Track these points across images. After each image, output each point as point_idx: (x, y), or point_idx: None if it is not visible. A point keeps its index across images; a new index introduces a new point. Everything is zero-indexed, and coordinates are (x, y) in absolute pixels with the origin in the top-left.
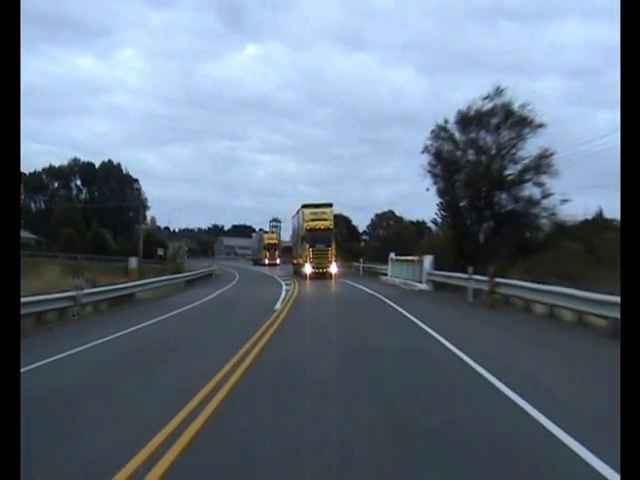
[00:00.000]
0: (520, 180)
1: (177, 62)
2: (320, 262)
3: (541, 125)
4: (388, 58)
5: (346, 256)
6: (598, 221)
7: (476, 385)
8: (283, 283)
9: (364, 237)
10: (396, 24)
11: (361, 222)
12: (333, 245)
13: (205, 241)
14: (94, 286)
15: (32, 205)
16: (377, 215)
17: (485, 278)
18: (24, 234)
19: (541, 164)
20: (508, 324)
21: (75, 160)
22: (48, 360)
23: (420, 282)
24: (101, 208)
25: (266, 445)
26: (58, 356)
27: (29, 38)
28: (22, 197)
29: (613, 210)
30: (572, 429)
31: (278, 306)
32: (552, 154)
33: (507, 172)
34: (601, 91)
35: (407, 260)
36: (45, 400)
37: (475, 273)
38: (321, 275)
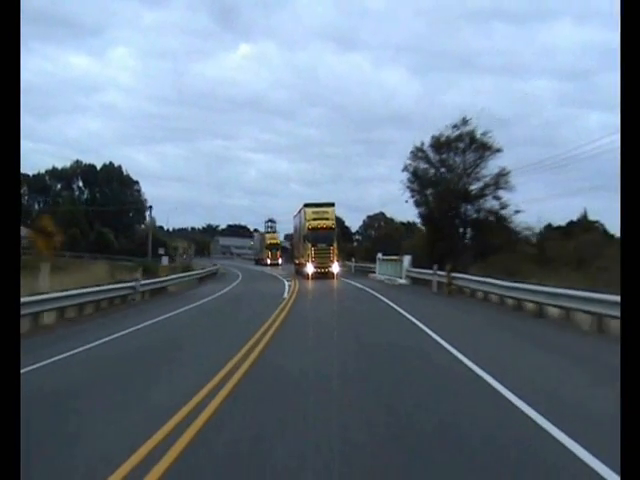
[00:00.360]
0: (482, 194)
1: (169, 61)
2: (322, 261)
3: (499, 150)
4: (381, 58)
5: (340, 255)
6: (582, 223)
7: (428, 340)
8: (285, 281)
9: (357, 237)
10: (389, 25)
11: (354, 222)
12: (335, 244)
13: (201, 241)
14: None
15: (35, 206)
16: (369, 217)
17: (444, 273)
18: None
19: (499, 181)
20: (457, 305)
21: (77, 162)
22: (135, 327)
23: (400, 277)
24: (102, 209)
25: (295, 368)
26: (139, 326)
27: (24, 36)
28: (25, 198)
29: (598, 211)
30: (485, 367)
31: (286, 295)
32: (508, 172)
33: (472, 187)
34: (593, 93)
35: (391, 259)
36: (141, 350)
37: (439, 270)
38: (323, 275)
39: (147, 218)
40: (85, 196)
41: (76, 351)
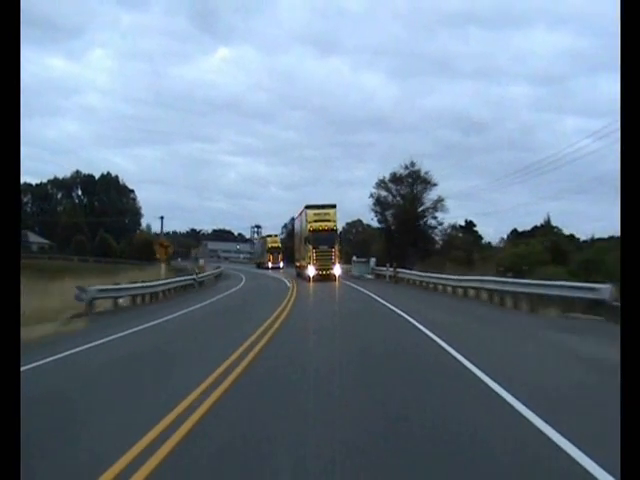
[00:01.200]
0: (424, 215)
1: (148, 63)
2: (323, 264)
3: (435, 184)
4: (360, 62)
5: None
6: (546, 227)
7: (377, 304)
8: (285, 280)
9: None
10: (367, 29)
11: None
12: (337, 246)
13: (187, 245)
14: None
15: (39, 212)
16: (348, 224)
17: (392, 269)
18: (39, 239)
19: (437, 205)
20: (398, 288)
21: (77, 172)
22: (200, 305)
23: (368, 274)
24: (100, 219)
25: (301, 341)
26: (203, 303)
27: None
28: (29, 205)
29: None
30: (412, 315)
31: (290, 285)
32: (443, 200)
33: (419, 210)
34: (567, 98)
35: (361, 261)
36: (207, 315)
37: (391, 267)
38: (324, 277)
39: (141, 225)
40: (84, 203)
41: (176, 314)
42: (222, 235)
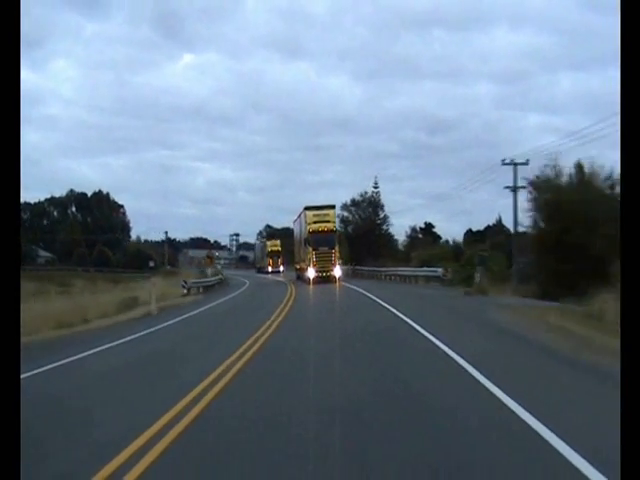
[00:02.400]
0: (380, 226)
1: (112, 72)
2: (323, 265)
3: (383, 206)
4: (325, 65)
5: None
6: (497, 226)
7: (357, 293)
8: (284, 280)
9: None
10: (332, 32)
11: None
12: (337, 247)
13: (171, 253)
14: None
15: (38, 228)
16: None
17: (350, 266)
18: (45, 253)
19: (384, 221)
20: (358, 279)
21: (71, 191)
22: (227, 298)
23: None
24: (94, 230)
25: (307, 322)
26: (238, 292)
27: None
28: (28, 222)
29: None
30: (372, 293)
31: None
32: (388, 216)
33: (376, 223)
34: (530, 95)
35: None
36: (248, 296)
37: (351, 265)
38: (325, 279)
39: (131, 237)
40: (79, 219)
41: (210, 305)
42: (198, 243)
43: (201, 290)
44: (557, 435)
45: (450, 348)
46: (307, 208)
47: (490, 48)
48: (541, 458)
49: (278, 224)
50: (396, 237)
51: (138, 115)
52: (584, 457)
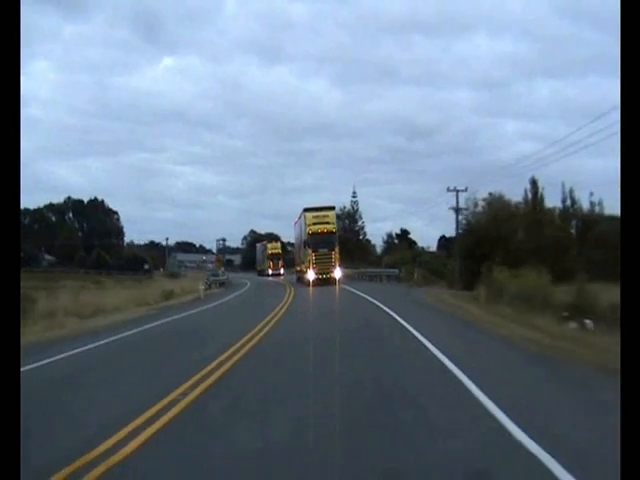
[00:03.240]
0: (357, 234)
1: (91, 74)
2: (323, 267)
3: (360, 215)
4: (305, 70)
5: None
6: None
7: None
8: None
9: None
10: (312, 37)
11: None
12: (337, 249)
13: (157, 256)
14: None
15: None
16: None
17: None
18: (47, 257)
19: (362, 229)
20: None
21: (69, 198)
22: (242, 291)
23: None
24: (90, 234)
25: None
26: (242, 290)
27: None
28: (29, 227)
29: None
30: (357, 288)
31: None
32: (364, 226)
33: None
34: (508, 102)
35: None
36: (254, 290)
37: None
38: (325, 281)
39: (124, 242)
40: (76, 225)
41: (234, 294)
42: (184, 247)
43: (218, 285)
44: (412, 326)
45: (387, 307)
46: (306, 210)
47: (469, 54)
48: (403, 334)
49: (260, 228)
50: (374, 242)
51: (118, 118)
52: (415, 329)
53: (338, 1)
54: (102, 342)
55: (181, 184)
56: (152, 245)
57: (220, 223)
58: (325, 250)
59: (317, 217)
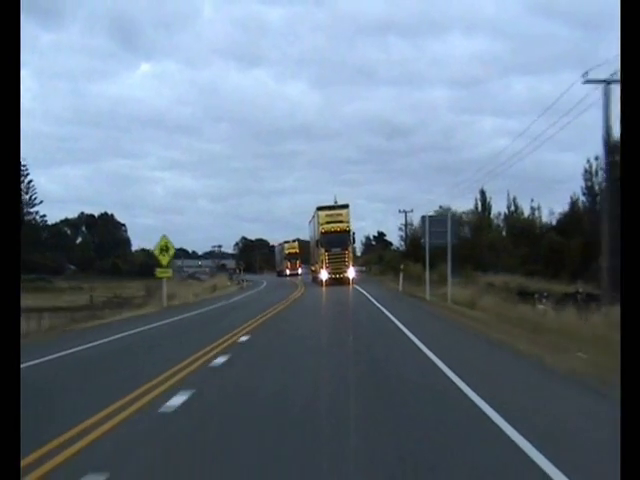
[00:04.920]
0: None
1: (68, 82)
2: (337, 267)
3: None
4: (283, 73)
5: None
6: None
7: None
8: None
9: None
10: (289, 40)
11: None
12: (350, 248)
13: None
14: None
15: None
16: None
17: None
18: (70, 267)
19: None
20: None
21: (82, 213)
22: (262, 287)
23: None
24: (102, 246)
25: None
26: (262, 286)
27: None
28: (48, 241)
29: None
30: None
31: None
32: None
33: None
34: (484, 99)
35: None
36: (271, 286)
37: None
38: (338, 281)
39: (131, 249)
40: (88, 238)
41: (261, 287)
42: (180, 253)
43: (243, 282)
44: (380, 304)
45: (363, 289)
46: (319, 208)
47: (445, 54)
48: (371, 307)
49: (242, 232)
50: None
51: (96, 125)
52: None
53: (315, 4)
54: (217, 305)
55: (160, 190)
56: (144, 251)
57: (202, 228)
58: (338, 249)
59: (330, 216)
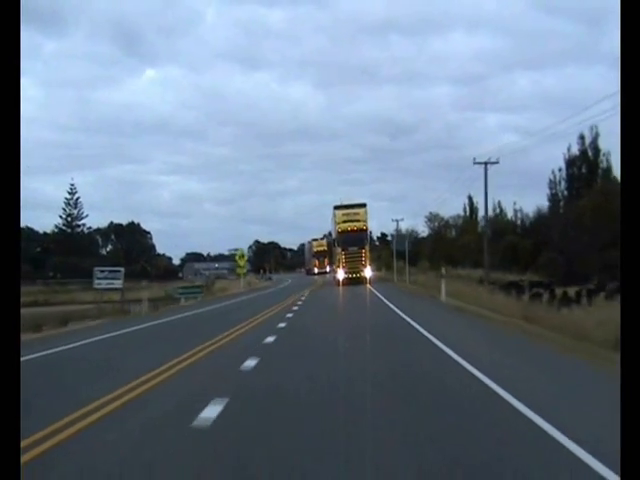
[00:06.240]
0: None
1: (73, 89)
2: (353, 266)
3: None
4: (286, 75)
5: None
6: None
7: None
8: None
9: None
10: (291, 42)
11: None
12: (367, 247)
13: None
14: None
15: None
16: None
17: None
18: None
19: None
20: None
21: (111, 222)
22: (288, 283)
23: None
24: (129, 252)
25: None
26: (287, 283)
27: None
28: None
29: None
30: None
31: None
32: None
33: None
34: (487, 95)
35: None
36: (296, 282)
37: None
38: (355, 280)
39: (157, 255)
40: (117, 246)
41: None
42: (194, 257)
43: (266, 280)
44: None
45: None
46: (337, 207)
47: (447, 51)
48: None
49: (249, 234)
50: None
51: (101, 131)
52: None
53: (316, 5)
54: (257, 294)
55: (166, 194)
56: (159, 256)
57: (209, 230)
58: (355, 248)
59: (347, 214)
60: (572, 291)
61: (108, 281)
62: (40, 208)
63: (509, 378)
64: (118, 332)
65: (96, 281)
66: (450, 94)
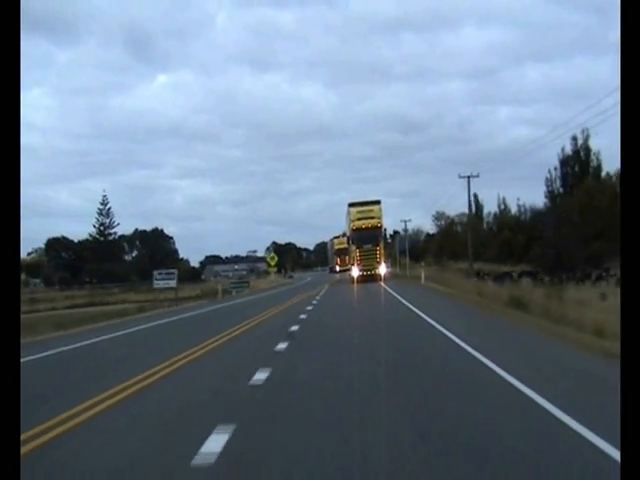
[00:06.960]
0: None
1: (86, 97)
2: (368, 264)
3: None
4: (297, 75)
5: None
6: None
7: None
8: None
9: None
10: (302, 43)
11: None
12: (382, 244)
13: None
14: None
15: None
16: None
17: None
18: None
19: None
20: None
21: (136, 229)
22: (308, 280)
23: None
24: (154, 257)
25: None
26: (307, 280)
27: None
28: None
29: None
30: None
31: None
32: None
33: None
34: (499, 89)
35: None
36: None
37: None
38: (369, 277)
39: (181, 259)
40: (142, 252)
41: (308, 279)
42: (213, 259)
43: (288, 277)
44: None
45: None
46: (351, 205)
47: (458, 46)
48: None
49: (262, 235)
50: None
51: (114, 138)
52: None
53: (326, 5)
54: (286, 288)
55: (180, 198)
56: (181, 260)
57: (223, 233)
58: (369, 246)
59: (361, 212)
60: (555, 279)
61: (165, 281)
62: (56, 215)
63: (438, 314)
64: (218, 306)
65: (155, 282)
66: (462, 89)
